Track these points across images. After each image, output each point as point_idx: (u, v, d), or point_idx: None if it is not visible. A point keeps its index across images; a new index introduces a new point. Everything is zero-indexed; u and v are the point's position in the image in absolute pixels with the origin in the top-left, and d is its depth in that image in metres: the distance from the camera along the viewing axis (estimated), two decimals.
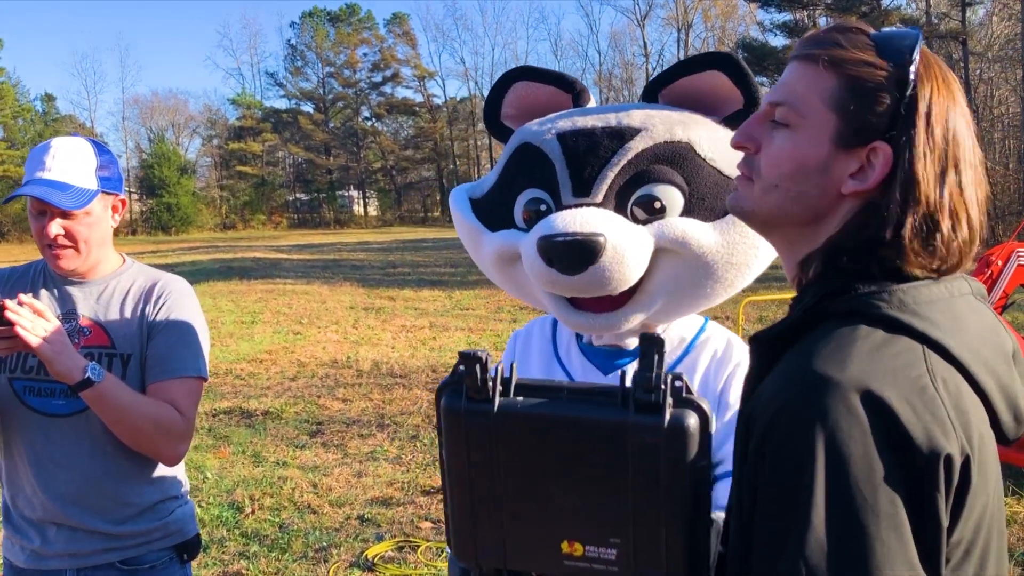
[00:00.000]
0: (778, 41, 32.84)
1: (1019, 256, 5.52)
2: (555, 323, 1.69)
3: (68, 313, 1.95)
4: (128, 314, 1.97)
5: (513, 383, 0.98)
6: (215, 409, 7.21)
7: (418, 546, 4.35)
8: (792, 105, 1.00)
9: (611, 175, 1.48)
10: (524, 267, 1.52)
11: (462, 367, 0.97)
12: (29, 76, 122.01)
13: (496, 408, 0.96)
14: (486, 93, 1.81)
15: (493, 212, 1.64)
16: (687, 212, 1.48)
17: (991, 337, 0.97)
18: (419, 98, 65.48)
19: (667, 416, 0.91)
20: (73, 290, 1.98)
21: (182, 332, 1.98)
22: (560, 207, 1.51)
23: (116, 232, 2.03)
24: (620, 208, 1.49)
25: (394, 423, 6.75)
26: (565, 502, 0.95)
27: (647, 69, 52.84)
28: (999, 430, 0.96)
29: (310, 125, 61.94)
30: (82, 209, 1.87)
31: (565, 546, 0.97)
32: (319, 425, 6.78)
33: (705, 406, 0.94)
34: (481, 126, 63.10)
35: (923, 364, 0.89)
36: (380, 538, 4.49)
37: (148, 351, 1.94)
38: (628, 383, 0.94)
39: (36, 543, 1.92)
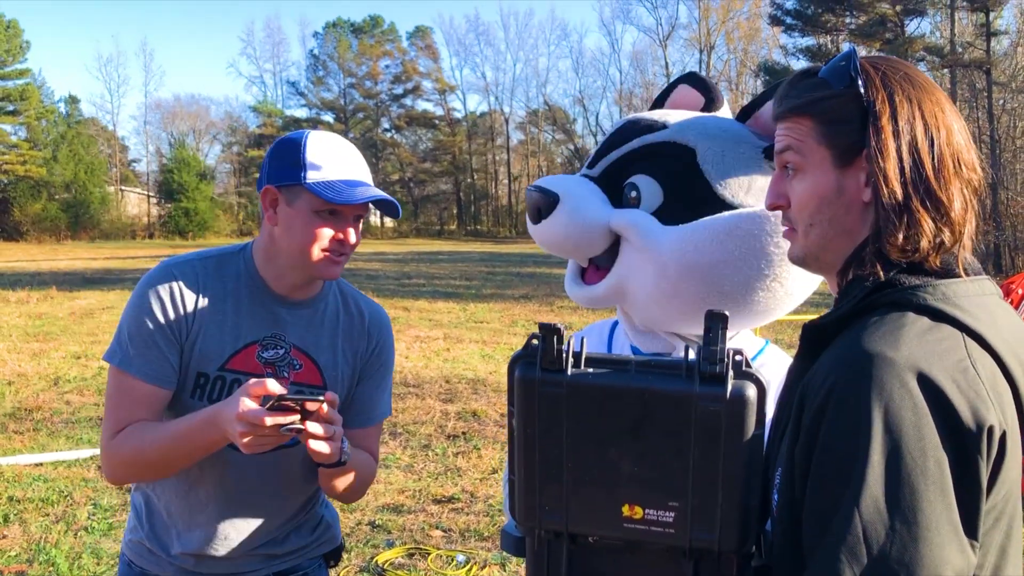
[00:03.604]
0: (801, 65, 32.78)
1: None
2: (613, 328, 1.71)
3: (273, 337, 1.71)
4: (340, 351, 1.78)
5: (583, 356, 1.03)
6: None
7: (428, 553, 4.33)
8: (796, 150, 1.14)
9: (614, 157, 1.55)
10: None
11: (535, 341, 1.03)
12: (54, 78, 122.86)
13: (568, 378, 1.01)
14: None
15: None
16: (659, 211, 1.47)
17: (1019, 333, 1.08)
18: (439, 111, 65.87)
19: (729, 387, 0.98)
20: (281, 311, 1.72)
21: (386, 375, 1.86)
22: None
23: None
24: (612, 188, 1.53)
25: (407, 432, 6.74)
26: (628, 468, 1.01)
27: None
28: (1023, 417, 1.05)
29: None
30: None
31: (626, 509, 1.02)
32: None
33: (763, 379, 1.00)
34: (500, 141, 63.55)
35: (963, 350, 1.00)
36: (391, 544, 4.47)
37: (355, 393, 1.80)
38: (691, 357, 1.01)
39: (190, 564, 1.76)
